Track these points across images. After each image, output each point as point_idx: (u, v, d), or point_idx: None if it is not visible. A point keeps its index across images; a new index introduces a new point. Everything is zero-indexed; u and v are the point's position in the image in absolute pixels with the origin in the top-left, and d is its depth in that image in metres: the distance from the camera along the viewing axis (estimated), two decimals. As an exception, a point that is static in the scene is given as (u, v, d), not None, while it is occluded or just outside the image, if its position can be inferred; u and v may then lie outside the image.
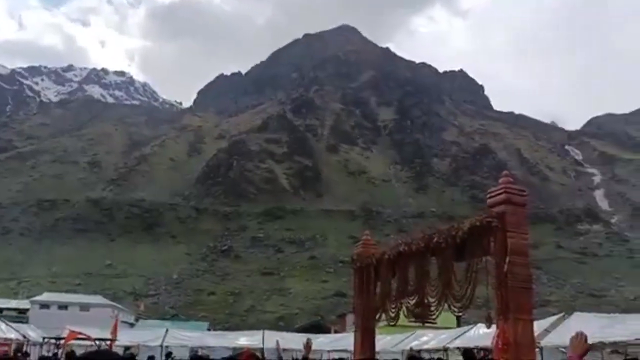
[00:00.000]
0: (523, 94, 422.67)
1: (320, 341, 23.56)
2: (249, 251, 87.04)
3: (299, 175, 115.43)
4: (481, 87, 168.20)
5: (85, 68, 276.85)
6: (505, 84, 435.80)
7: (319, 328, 40.49)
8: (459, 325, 28.42)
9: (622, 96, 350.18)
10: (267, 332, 20.04)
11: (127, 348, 12.36)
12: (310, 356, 14.23)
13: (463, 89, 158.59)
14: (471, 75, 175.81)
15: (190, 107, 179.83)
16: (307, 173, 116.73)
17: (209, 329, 34.53)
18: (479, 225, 5.31)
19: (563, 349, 16.40)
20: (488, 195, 5.37)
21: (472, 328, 19.59)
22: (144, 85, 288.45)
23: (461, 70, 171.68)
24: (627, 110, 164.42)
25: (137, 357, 11.24)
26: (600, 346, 16.49)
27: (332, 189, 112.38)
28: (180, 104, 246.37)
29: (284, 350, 14.27)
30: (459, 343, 19.01)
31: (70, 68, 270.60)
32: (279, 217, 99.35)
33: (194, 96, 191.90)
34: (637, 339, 14.68)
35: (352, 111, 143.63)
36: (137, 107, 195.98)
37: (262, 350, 18.34)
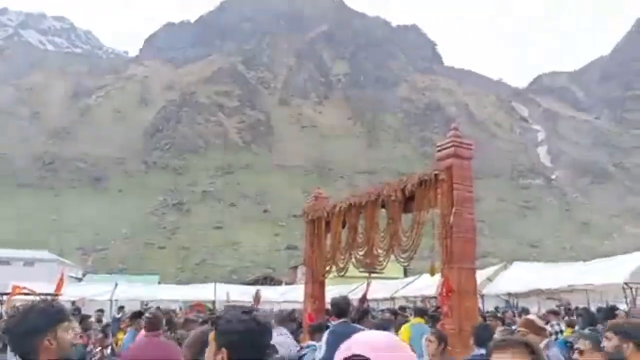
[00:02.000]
0: (473, 50, 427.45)
1: (271, 293, 23.95)
2: (200, 205, 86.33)
3: (250, 129, 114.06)
4: (433, 43, 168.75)
5: (21, 12, 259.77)
6: (456, 40, 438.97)
7: (270, 280, 41.06)
8: (406, 275, 29.43)
9: (568, 54, 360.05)
10: (218, 284, 20.19)
11: (72, 303, 12.17)
12: (261, 307, 14.47)
13: (415, 44, 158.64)
14: (423, 30, 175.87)
15: (137, 56, 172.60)
16: (259, 127, 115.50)
17: (159, 283, 34.40)
18: (427, 178, 5.43)
19: (503, 296, 17.32)
20: (437, 149, 5.48)
21: (418, 278, 20.35)
22: (87, 32, 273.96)
23: (414, 25, 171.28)
24: (571, 69, 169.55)
25: (84, 312, 11.11)
26: (537, 293, 17.53)
27: (285, 143, 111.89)
28: (126, 53, 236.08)
29: (233, 301, 14.41)
30: (405, 292, 19.75)
31: (4, 11, 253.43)
32: (230, 171, 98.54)
33: (140, 45, 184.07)
34: (569, 285, 15.66)
35: (305, 64, 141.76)
36: (79, 55, 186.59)
37: (213, 302, 18.50)
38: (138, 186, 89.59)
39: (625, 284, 13.23)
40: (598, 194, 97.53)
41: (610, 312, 5.75)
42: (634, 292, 13.57)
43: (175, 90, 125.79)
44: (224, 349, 1.65)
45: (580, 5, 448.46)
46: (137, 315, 6.18)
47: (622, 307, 13.80)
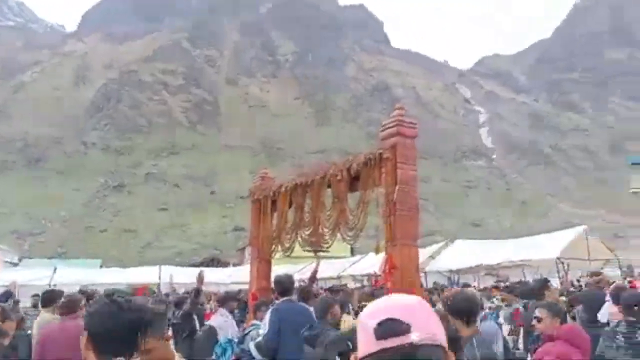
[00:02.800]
0: (420, 32, 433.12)
1: (218, 275, 23.76)
2: (143, 187, 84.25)
3: (196, 108, 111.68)
4: (381, 23, 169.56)
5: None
6: (403, 21, 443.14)
7: (217, 262, 40.78)
8: (352, 255, 29.84)
9: (510, 37, 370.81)
10: (163, 267, 19.85)
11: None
12: (207, 289, 14.34)
13: (363, 24, 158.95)
14: (371, 10, 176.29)
15: (75, 31, 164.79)
16: (205, 106, 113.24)
17: (101, 266, 33.50)
18: (372, 157, 5.48)
19: (445, 273, 17.86)
20: (381, 128, 5.52)
21: (364, 257, 20.69)
22: (19, 3, 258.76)
23: (362, 5, 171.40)
24: (514, 51, 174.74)
25: (19, 298, 10.66)
26: (476, 269, 18.18)
27: (232, 123, 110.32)
28: (63, 27, 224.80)
29: (176, 284, 14.21)
30: (352, 271, 20.07)
31: None
32: (175, 152, 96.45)
33: (79, 19, 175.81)
34: (508, 261, 16.33)
35: (253, 42, 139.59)
36: (12, 29, 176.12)
37: (158, 285, 18.19)
38: (77, 167, 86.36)
39: (558, 259, 13.98)
40: (536, 175, 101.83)
41: (543, 284, 6.02)
42: (565, 267, 14.34)
43: (116, 67, 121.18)
44: (85, 332, 1.72)
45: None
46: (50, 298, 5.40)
47: (555, 280, 14.54)
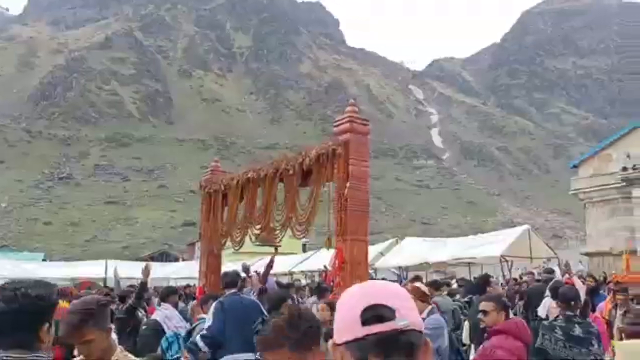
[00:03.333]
0: (375, 31, 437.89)
1: (167, 269, 23.31)
2: (91, 179, 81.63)
3: (147, 99, 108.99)
4: (337, 21, 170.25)
5: None
6: (359, 20, 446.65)
7: (166, 257, 40.04)
8: (304, 251, 29.92)
9: (463, 41, 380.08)
10: (109, 261, 19.31)
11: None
12: (156, 284, 14.06)
13: (319, 21, 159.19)
14: (328, 8, 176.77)
15: (20, 15, 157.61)
16: (157, 98, 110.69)
17: (44, 260, 32.25)
18: (324, 152, 5.50)
19: (394, 269, 18.14)
20: (334, 124, 5.55)
21: (315, 253, 20.75)
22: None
23: (318, 3, 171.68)
24: (465, 55, 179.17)
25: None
26: (425, 266, 18.56)
27: (184, 116, 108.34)
28: (7, 10, 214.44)
29: (122, 278, 13.84)
30: (303, 267, 20.10)
31: None
32: (125, 143, 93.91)
33: (24, 3, 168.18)
34: (454, 259, 16.74)
35: (207, 35, 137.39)
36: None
37: (104, 280, 17.69)
38: (21, 157, 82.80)
39: (502, 256, 14.47)
40: (483, 175, 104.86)
41: (485, 279, 6.22)
42: (509, 264, 14.85)
43: (64, 54, 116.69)
44: None
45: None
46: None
47: (500, 278, 15.02)
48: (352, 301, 1.07)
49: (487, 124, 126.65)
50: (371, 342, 1.01)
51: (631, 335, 5.42)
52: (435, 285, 6.79)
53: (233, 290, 5.05)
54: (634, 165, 17.66)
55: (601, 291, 9.16)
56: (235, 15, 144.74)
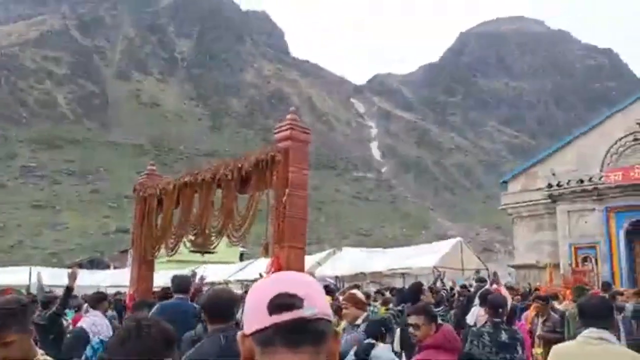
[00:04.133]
0: (319, 44, 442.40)
1: (96, 277, 22.41)
2: (18, 182, 77.43)
3: (82, 101, 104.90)
4: (282, 32, 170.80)
5: None
6: (304, 32, 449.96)
7: (97, 264, 38.51)
8: (242, 260, 29.57)
9: (403, 57, 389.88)
10: (34, 268, 18.37)
11: None
12: (84, 292, 13.47)
13: (264, 31, 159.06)
14: (273, 18, 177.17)
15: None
16: (93, 100, 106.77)
17: (-39, 267, 30.18)
18: (264, 159, 5.48)
19: (331, 279, 18.25)
20: (275, 131, 5.56)
21: (253, 262, 20.57)
22: None
23: (264, 12, 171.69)
24: (405, 71, 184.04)
25: None
26: (361, 276, 18.78)
27: (121, 119, 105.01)
28: None
29: (47, 286, 13.18)
30: (240, 276, 19.87)
31: None
32: (57, 146, 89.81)
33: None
34: (389, 269, 17.06)
35: (148, 37, 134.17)
36: None
37: (27, 287, 16.80)
38: (-61, 156, 77.56)
39: (435, 267, 14.89)
40: (419, 189, 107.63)
41: (418, 288, 6.38)
42: (442, 275, 15.27)
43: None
44: None
45: (419, 11, 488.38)
46: None
47: (447, 285, 15.44)
48: (260, 291, 1.05)
49: (424, 139, 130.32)
50: (278, 331, 0.99)
51: (549, 342, 5.74)
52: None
53: (180, 296, 4.94)
54: (559, 183, 18.66)
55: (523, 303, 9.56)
56: (178, 20, 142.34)
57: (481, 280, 10.33)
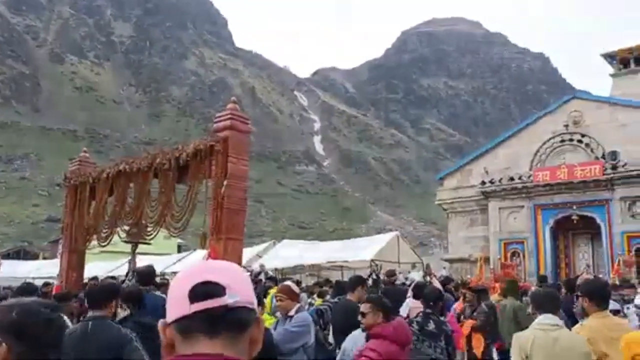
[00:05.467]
0: (263, 34, 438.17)
1: (23, 268, 21.40)
2: (-64, 166, 72.56)
3: (12, 83, 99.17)
4: (225, 21, 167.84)
5: None
6: (248, 21, 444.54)
7: (25, 254, 36.73)
8: (179, 251, 29.03)
9: (346, 53, 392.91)
10: (-47, 258, 17.30)
11: None
12: (12, 283, 12.85)
13: (207, 18, 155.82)
14: (216, 5, 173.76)
15: None
16: (23, 82, 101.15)
17: None
18: (202, 148, 5.40)
19: (270, 271, 18.25)
20: (214, 120, 5.48)
21: (191, 253, 20.25)
22: None
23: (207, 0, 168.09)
24: (348, 67, 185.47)
25: None
26: (300, 269, 18.88)
27: (54, 104, 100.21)
28: None
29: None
30: (177, 268, 19.49)
31: None
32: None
33: None
34: (328, 262, 17.24)
35: (84, 20, 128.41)
36: None
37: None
38: None
39: (372, 260, 15.18)
40: (360, 183, 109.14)
41: (357, 280, 6.48)
42: (378, 268, 15.58)
43: None
44: None
45: (364, 7, 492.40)
46: None
47: (370, 281, 15.70)
48: (182, 280, 1.05)
49: (366, 135, 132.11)
50: (198, 319, 0.99)
51: (477, 330, 6.05)
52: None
53: (146, 287, 4.86)
54: (491, 180, 19.43)
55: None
56: (116, 2, 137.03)
57: (392, 275, 10.72)
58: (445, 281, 8.77)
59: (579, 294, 5.57)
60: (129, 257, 15.46)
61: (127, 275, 8.55)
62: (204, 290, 1.00)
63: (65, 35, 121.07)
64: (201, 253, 10.04)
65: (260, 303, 5.38)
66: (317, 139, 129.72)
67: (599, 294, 3.90)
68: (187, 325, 1.00)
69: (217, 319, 1.00)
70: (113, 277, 7.51)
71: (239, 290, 1.03)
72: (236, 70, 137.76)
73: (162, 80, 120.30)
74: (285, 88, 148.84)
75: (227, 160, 5.14)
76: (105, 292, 3.66)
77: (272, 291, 8.13)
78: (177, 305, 1.02)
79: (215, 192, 5.15)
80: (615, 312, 6.09)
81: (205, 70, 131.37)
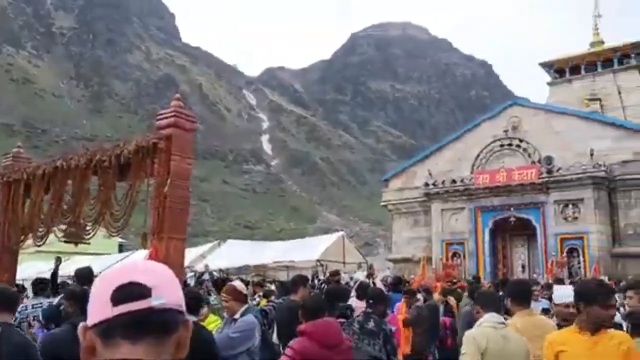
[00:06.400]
0: (212, 31, 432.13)
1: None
2: None
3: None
4: (172, 15, 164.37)
5: None
6: (196, 17, 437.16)
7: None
8: (120, 251, 28.25)
9: (296, 53, 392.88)
10: None
11: None
12: None
13: (153, 13, 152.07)
14: (163, 0, 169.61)
15: None
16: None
17: None
18: (145, 145, 5.28)
19: (215, 272, 18.03)
20: (158, 117, 5.37)
21: (132, 253, 19.73)
22: None
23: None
24: (298, 67, 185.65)
25: None
26: (245, 269, 18.75)
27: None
28: None
29: None
30: (118, 268, 18.94)
31: None
32: None
33: None
34: (274, 262, 17.20)
35: (23, 9, 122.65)
36: None
37: None
38: None
39: (318, 261, 15.28)
40: (307, 184, 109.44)
41: (299, 280, 6.53)
42: (324, 268, 15.69)
43: None
44: None
45: (313, 8, 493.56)
46: None
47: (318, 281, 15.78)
48: (105, 281, 0.99)
49: (314, 135, 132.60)
50: (121, 322, 0.93)
51: (407, 324, 6.36)
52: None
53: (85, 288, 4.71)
54: (434, 182, 19.94)
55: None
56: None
57: (335, 275, 10.93)
58: (396, 281, 8.93)
59: (501, 294, 5.89)
60: (66, 257, 14.88)
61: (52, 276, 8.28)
62: (127, 292, 0.94)
63: (1, 25, 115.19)
64: (143, 253, 9.84)
65: (204, 303, 5.36)
66: (265, 139, 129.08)
67: (520, 294, 4.20)
68: (108, 329, 0.94)
69: (141, 322, 0.94)
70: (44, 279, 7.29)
71: (166, 292, 0.97)
72: (183, 66, 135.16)
73: (105, 75, 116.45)
74: (233, 86, 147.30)
75: (170, 158, 5.04)
76: (13, 298, 3.80)
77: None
78: (98, 307, 0.95)
79: (158, 191, 5.04)
80: (546, 311, 6.40)
81: (151, 66, 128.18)
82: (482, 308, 3.88)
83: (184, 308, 1.01)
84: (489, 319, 3.65)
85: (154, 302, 0.95)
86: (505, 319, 3.89)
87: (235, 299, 4.69)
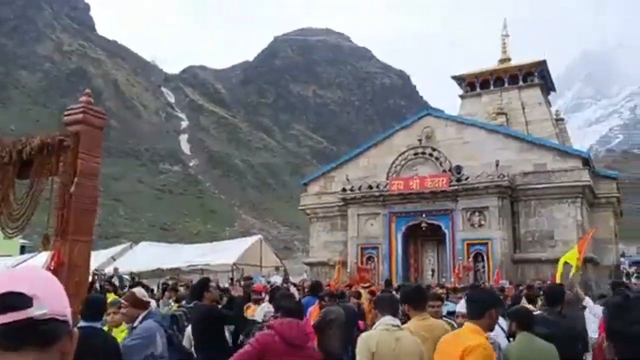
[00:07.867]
0: (129, 25, 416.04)
1: None
2: None
3: None
4: (87, 5, 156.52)
5: None
6: (113, 9, 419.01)
7: None
8: (22, 253, 26.57)
9: (217, 52, 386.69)
10: None
11: None
12: None
13: (66, 1, 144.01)
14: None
15: None
16: None
17: None
18: (50, 142, 5.02)
19: (126, 275, 17.35)
20: (65, 113, 5.14)
21: (35, 255, 18.59)
22: None
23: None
24: (220, 66, 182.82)
25: None
26: (159, 272, 18.18)
27: None
28: None
29: None
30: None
31: None
32: None
33: None
34: (189, 265, 16.83)
35: None
36: None
37: None
38: None
39: (234, 264, 15.13)
40: (226, 185, 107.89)
41: (204, 283, 6.47)
42: (241, 272, 15.56)
43: None
44: None
45: (236, 9, 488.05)
46: None
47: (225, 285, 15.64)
48: None
49: (235, 137, 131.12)
50: (1, 333, 0.91)
51: (315, 328, 6.53)
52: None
53: None
54: (351, 188, 20.36)
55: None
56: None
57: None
58: (316, 285, 8.97)
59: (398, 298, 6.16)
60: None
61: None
62: (5, 302, 0.92)
63: None
64: (45, 255, 9.27)
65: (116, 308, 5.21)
66: (183, 138, 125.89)
67: (414, 300, 4.49)
68: None
69: (21, 333, 0.91)
70: None
71: (48, 301, 0.95)
72: (97, 59, 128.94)
73: (10, 64, 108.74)
74: (151, 83, 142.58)
75: (77, 156, 4.82)
76: None
77: (111, 297, 7.76)
78: None
79: (62, 190, 4.80)
80: (451, 314, 6.73)
81: (63, 57, 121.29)
82: (380, 312, 4.10)
83: (68, 317, 0.98)
84: (383, 322, 3.87)
85: (35, 312, 0.92)
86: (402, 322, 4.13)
87: (134, 305, 4.58)
